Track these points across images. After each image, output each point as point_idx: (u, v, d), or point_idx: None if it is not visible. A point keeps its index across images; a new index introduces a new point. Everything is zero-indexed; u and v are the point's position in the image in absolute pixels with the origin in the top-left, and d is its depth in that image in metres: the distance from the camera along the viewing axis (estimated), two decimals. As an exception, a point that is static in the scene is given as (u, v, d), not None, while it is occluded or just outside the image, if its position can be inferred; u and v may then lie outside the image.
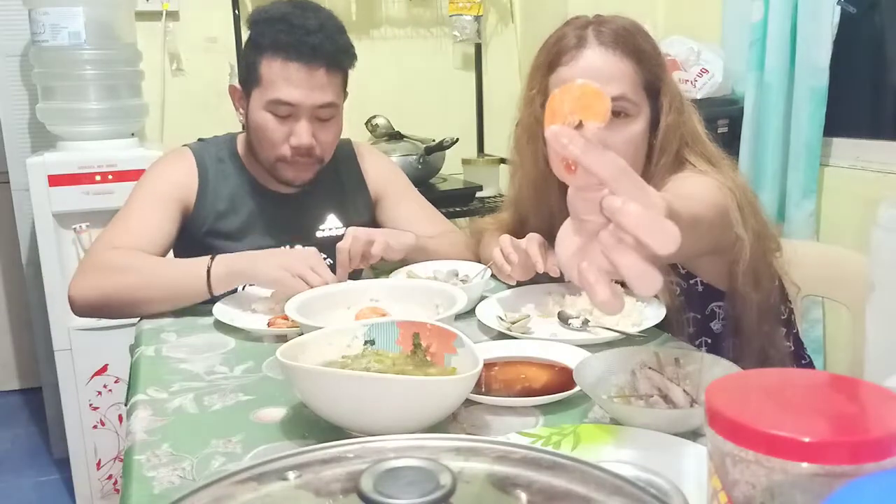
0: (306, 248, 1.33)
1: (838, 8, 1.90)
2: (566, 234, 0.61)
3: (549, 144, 0.58)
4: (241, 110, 1.49)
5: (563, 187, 0.61)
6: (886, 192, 1.89)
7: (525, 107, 1.28)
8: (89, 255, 1.39)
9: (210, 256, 1.31)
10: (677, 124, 1.21)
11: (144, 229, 1.39)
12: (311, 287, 1.24)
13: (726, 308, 1.25)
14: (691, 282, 1.25)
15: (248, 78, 1.44)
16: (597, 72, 1.16)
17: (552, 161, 0.60)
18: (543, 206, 1.30)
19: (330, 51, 1.40)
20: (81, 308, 1.34)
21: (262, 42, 1.41)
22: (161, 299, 1.31)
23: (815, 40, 1.92)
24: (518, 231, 1.34)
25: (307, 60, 1.38)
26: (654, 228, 0.54)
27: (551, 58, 1.22)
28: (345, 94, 1.49)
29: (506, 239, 1.27)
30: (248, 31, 1.46)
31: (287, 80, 1.38)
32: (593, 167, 0.56)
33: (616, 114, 1.17)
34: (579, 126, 0.61)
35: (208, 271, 1.28)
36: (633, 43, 1.19)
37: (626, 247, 0.55)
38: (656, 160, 1.21)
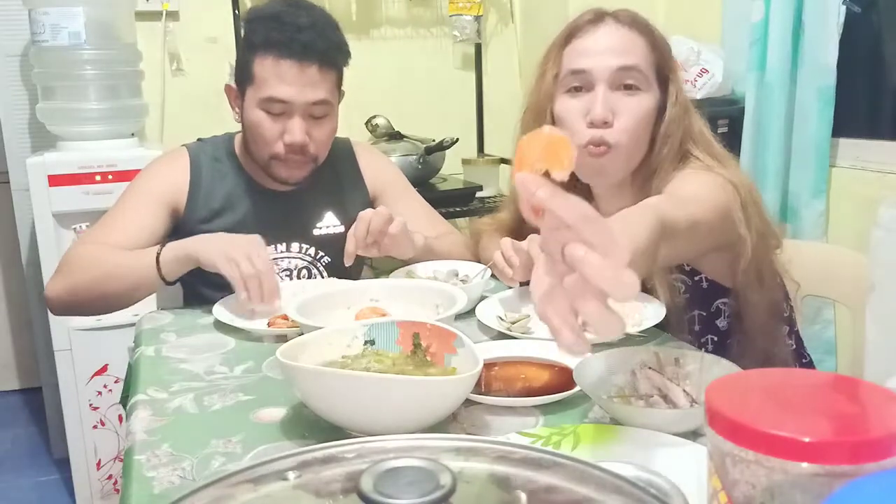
0: (250, 235, 1.31)
1: (843, 7, 1.90)
2: (539, 273, 0.62)
3: (518, 190, 0.60)
4: (236, 109, 1.50)
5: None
6: (886, 192, 1.89)
7: (535, 85, 1.28)
8: (64, 255, 1.41)
9: (161, 244, 1.32)
10: (681, 118, 1.22)
11: (125, 227, 1.41)
12: (243, 274, 1.23)
13: (730, 305, 1.25)
14: (696, 279, 1.25)
15: (243, 77, 1.45)
16: (613, 43, 1.20)
17: (521, 205, 0.61)
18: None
19: (322, 48, 1.40)
20: (56, 307, 1.37)
21: (254, 40, 1.41)
22: (123, 291, 1.33)
23: (821, 40, 1.92)
24: (517, 229, 1.34)
25: (299, 58, 1.38)
26: (614, 279, 0.55)
27: (567, 32, 1.24)
28: (340, 92, 1.49)
29: (507, 242, 1.27)
30: (244, 29, 1.47)
31: (279, 77, 1.39)
32: (559, 212, 0.56)
33: (628, 86, 1.20)
34: (546, 173, 0.62)
35: (157, 258, 1.29)
36: (648, 28, 1.22)
37: (589, 294, 0.56)
38: (658, 149, 1.22)
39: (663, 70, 1.23)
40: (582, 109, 1.21)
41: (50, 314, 2.10)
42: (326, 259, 1.54)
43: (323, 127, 1.45)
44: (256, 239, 1.31)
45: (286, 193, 1.53)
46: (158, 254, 1.30)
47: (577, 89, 1.22)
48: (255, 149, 1.47)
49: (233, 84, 1.50)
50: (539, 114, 1.27)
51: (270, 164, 1.46)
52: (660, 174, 1.20)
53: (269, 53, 1.39)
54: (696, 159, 1.21)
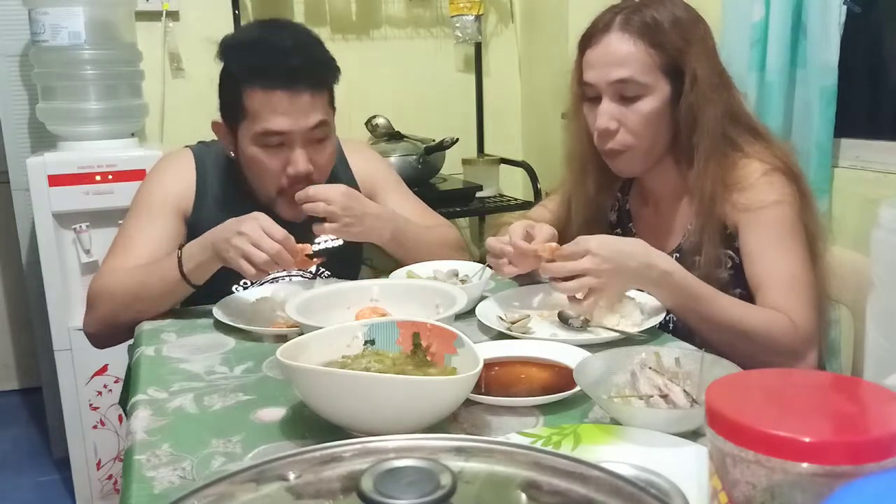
0: (251, 216, 1.25)
1: (844, 7, 1.90)
2: None
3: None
4: (229, 146, 1.43)
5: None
6: (887, 192, 1.88)
7: (570, 86, 1.35)
8: (90, 286, 1.37)
9: (178, 256, 1.27)
10: (705, 102, 1.23)
11: (144, 247, 1.37)
12: (259, 266, 1.20)
13: None
14: (739, 260, 1.25)
15: (231, 112, 1.38)
16: (611, 56, 1.25)
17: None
18: (587, 177, 1.38)
19: (311, 70, 1.35)
20: (97, 341, 1.37)
21: (237, 71, 1.35)
22: (157, 307, 1.31)
23: (822, 39, 1.92)
24: (564, 214, 1.43)
25: (289, 85, 1.31)
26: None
27: (586, 39, 1.29)
28: (334, 108, 1.44)
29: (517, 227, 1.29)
30: (221, 61, 1.39)
31: (272, 109, 1.31)
32: None
33: (626, 97, 1.24)
34: None
35: (181, 270, 1.26)
36: (654, 31, 1.23)
37: None
38: (685, 134, 1.25)
39: (675, 63, 1.23)
40: (593, 119, 1.27)
41: (50, 314, 2.11)
42: (327, 273, 1.52)
43: (325, 150, 1.40)
44: (258, 217, 1.25)
45: None
46: (180, 265, 1.26)
47: (591, 98, 1.28)
48: (258, 185, 1.42)
49: (219, 121, 1.43)
50: (576, 114, 1.34)
51: (277, 201, 1.41)
52: (701, 154, 1.24)
53: (256, 85, 1.31)
54: (738, 144, 1.26)
